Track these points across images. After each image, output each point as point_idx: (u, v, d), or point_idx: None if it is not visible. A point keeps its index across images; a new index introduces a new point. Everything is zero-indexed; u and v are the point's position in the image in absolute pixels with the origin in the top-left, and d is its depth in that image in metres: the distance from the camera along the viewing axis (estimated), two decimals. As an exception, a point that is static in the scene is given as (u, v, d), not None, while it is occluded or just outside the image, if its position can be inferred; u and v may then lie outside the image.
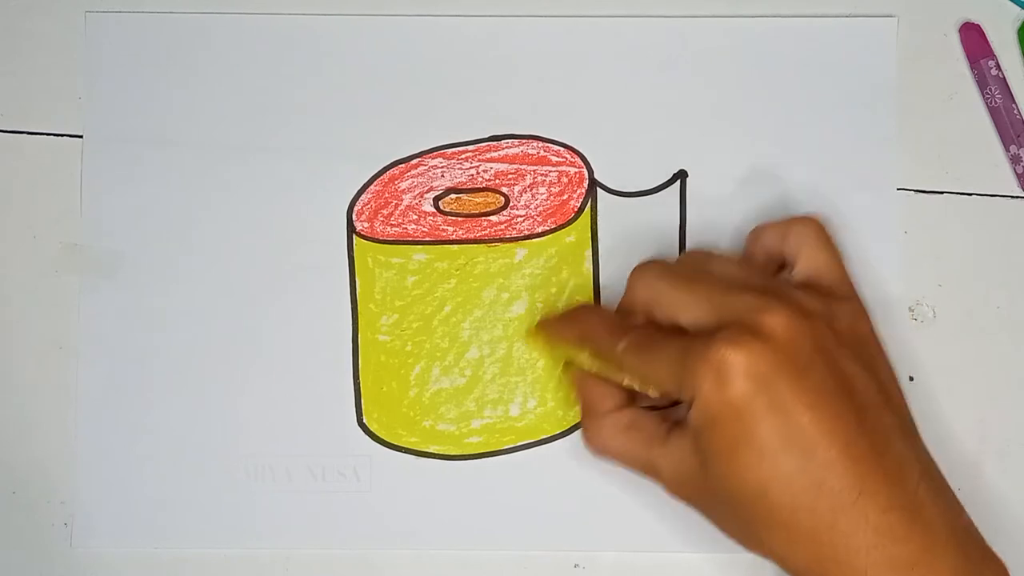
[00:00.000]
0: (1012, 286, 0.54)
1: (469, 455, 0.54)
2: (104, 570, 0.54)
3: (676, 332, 0.47)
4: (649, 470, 0.48)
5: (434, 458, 0.54)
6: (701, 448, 0.45)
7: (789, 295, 0.46)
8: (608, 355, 0.49)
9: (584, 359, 0.50)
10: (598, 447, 0.50)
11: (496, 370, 0.54)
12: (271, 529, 0.53)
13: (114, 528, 0.54)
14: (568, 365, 0.52)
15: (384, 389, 0.54)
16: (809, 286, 0.48)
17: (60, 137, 0.55)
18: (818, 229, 0.49)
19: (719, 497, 0.46)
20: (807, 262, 0.49)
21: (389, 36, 0.55)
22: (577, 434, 0.54)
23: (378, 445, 0.54)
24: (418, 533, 0.54)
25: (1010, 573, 0.45)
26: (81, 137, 0.55)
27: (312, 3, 0.55)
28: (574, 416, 0.54)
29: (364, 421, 0.54)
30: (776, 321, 0.44)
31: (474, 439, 0.54)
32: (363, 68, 0.55)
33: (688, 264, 0.49)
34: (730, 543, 0.53)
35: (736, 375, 0.44)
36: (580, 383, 0.51)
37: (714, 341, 0.44)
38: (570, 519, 0.54)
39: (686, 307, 0.47)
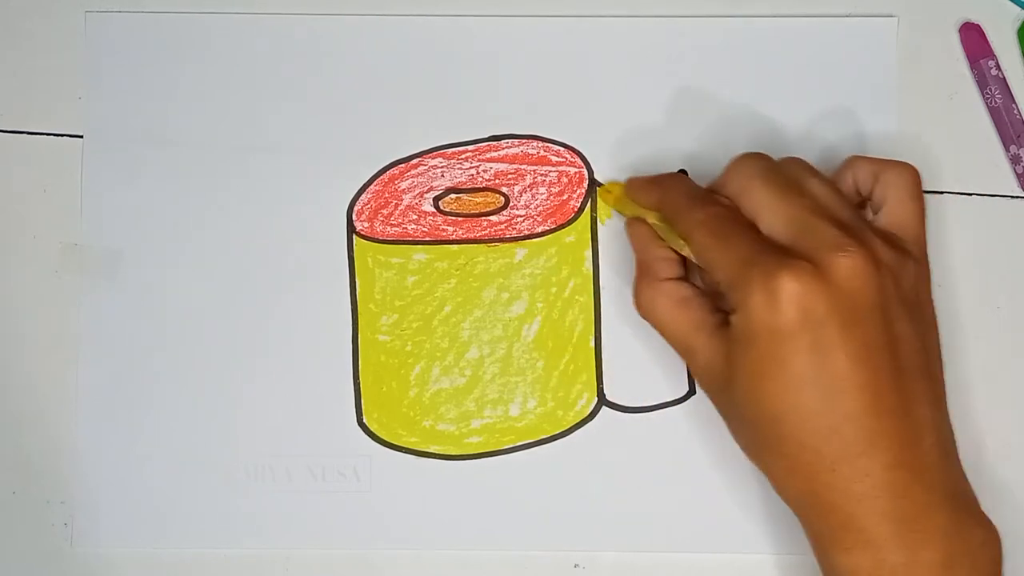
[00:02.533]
0: (1012, 286, 0.54)
1: (469, 455, 0.54)
2: (104, 570, 0.54)
3: (752, 229, 0.47)
4: (687, 353, 0.49)
5: (434, 458, 0.54)
6: (732, 357, 0.46)
7: (868, 240, 0.46)
8: (681, 222, 0.48)
9: (652, 218, 0.50)
10: (647, 310, 0.50)
11: (496, 370, 0.54)
12: (271, 529, 0.54)
13: (114, 528, 0.54)
14: (633, 221, 0.52)
15: (384, 389, 0.54)
16: (887, 235, 0.47)
17: (60, 137, 0.55)
18: (913, 178, 0.49)
19: (736, 408, 0.46)
20: (893, 210, 0.48)
21: (389, 36, 0.55)
22: (577, 434, 0.54)
23: (378, 445, 0.54)
24: (418, 533, 0.54)
25: (1003, 541, 0.46)
26: (81, 137, 0.55)
27: (312, 3, 0.55)
28: (574, 416, 0.54)
29: (364, 421, 0.54)
30: (848, 264, 0.44)
31: (474, 439, 0.54)
32: (363, 68, 0.55)
33: (787, 171, 0.48)
34: (730, 545, 0.53)
35: (788, 305, 0.44)
36: (642, 243, 0.51)
37: (781, 264, 0.44)
38: (570, 519, 0.54)
39: (770, 213, 0.46)
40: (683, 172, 0.54)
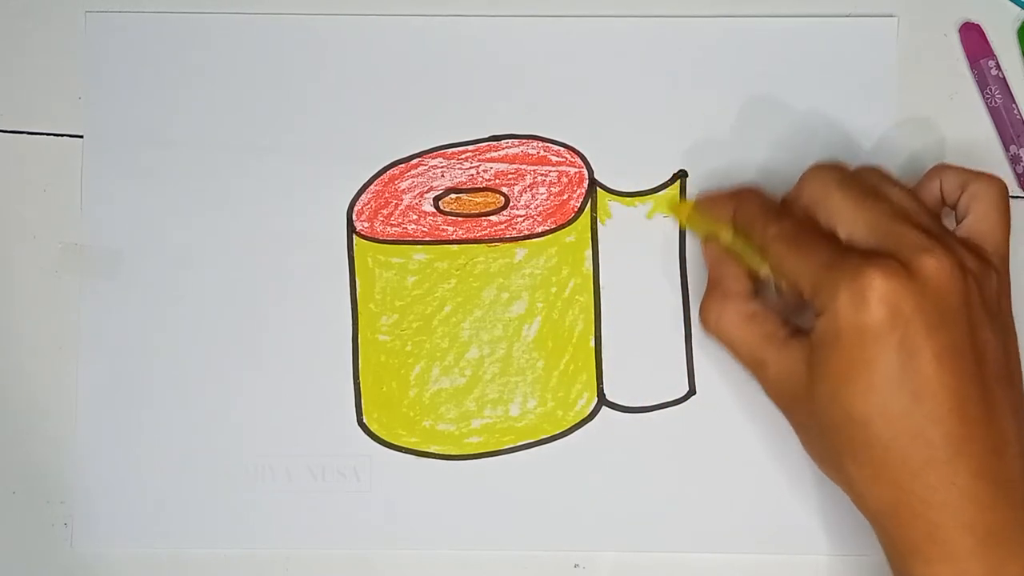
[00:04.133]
0: (1012, 286, 0.54)
1: (469, 455, 0.54)
2: (104, 570, 0.54)
3: (831, 237, 0.47)
4: (757, 367, 0.48)
5: (434, 458, 0.54)
6: (816, 362, 0.45)
7: (952, 245, 0.45)
8: (757, 236, 0.48)
9: (727, 236, 0.50)
10: (714, 327, 0.50)
11: (496, 370, 0.54)
12: (271, 529, 0.54)
13: (114, 528, 0.54)
14: (708, 240, 0.52)
15: (384, 389, 0.54)
16: (969, 244, 0.47)
17: (60, 137, 0.55)
18: (1001, 192, 0.49)
19: (817, 416, 0.46)
20: (977, 220, 0.48)
21: (389, 36, 0.55)
22: (577, 434, 0.54)
23: (378, 445, 0.54)
24: (418, 533, 0.54)
25: None
26: (81, 137, 0.55)
27: (312, 3, 0.55)
28: (574, 416, 0.54)
29: (364, 421, 0.54)
30: (935, 265, 0.44)
31: (474, 439, 0.54)
32: (363, 68, 0.55)
33: (865, 179, 0.48)
34: (730, 545, 0.53)
35: (877, 302, 0.43)
36: (715, 259, 0.51)
37: (868, 263, 0.44)
38: (570, 519, 0.54)
39: (850, 220, 0.46)
40: (683, 172, 0.54)
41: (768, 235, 0.48)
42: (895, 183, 0.48)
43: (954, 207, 0.49)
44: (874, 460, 0.44)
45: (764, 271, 0.49)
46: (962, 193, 0.49)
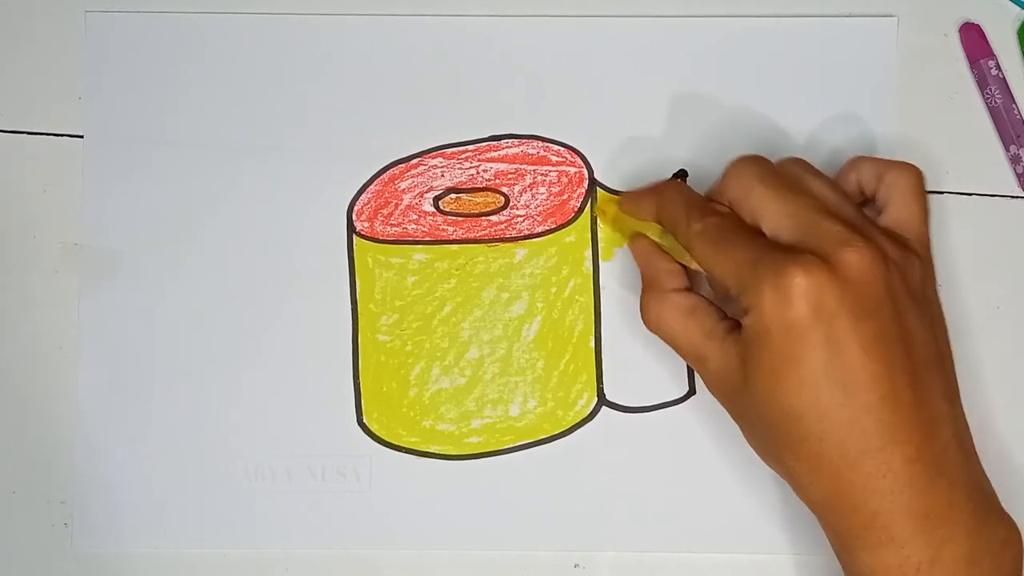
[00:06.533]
0: (1012, 286, 0.54)
1: (469, 455, 0.54)
2: (104, 570, 0.54)
3: (754, 232, 0.47)
4: (697, 360, 0.48)
5: (434, 458, 0.54)
6: (748, 358, 0.46)
7: (873, 235, 0.46)
8: (681, 234, 0.49)
9: (654, 232, 0.50)
10: (655, 324, 0.50)
11: (496, 370, 0.54)
12: (271, 529, 0.54)
13: (114, 528, 0.54)
14: (635, 236, 0.52)
15: (384, 389, 0.54)
16: (891, 234, 0.47)
17: (60, 137, 0.55)
18: (917, 179, 0.49)
19: (754, 411, 0.46)
20: (897, 209, 0.49)
21: (389, 36, 0.55)
22: (577, 434, 0.54)
23: (378, 445, 0.54)
24: (418, 533, 0.54)
25: None
26: (81, 137, 0.55)
27: (312, 3, 0.55)
28: (574, 416, 0.54)
29: (364, 421, 0.54)
30: (856, 258, 0.44)
31: (474, 439, 0.54)
32: (363, 68, 0.55)
33: (787, 172, 0.48)
34: (730, 544, 0.53)
35: (800, 299, 0.44)
36: (646, 256, 0.51)
37: (789, 260, 0.44)
38: (570, 519, 0.54)
39: (773, 215, 0.46)
40: (683, 172, 0.54)
41: (692, 233, 0.48)
42: (817, 175, 0.48)
43: (873, 198, 0.50)
44: (811, 453, 0.45)
45: (694, 266, 0.49)
46: (879, 184, 0.49)
